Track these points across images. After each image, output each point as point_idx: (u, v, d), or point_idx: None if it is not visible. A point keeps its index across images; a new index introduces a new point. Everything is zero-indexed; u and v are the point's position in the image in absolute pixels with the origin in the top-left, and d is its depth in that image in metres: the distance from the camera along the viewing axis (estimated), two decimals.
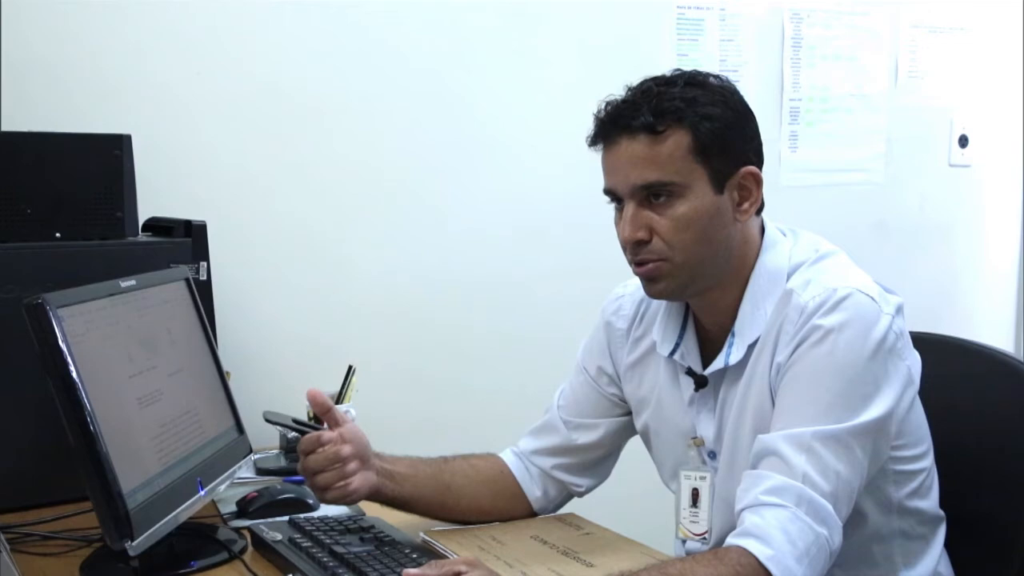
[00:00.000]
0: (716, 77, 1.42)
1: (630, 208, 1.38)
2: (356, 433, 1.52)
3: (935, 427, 1.47)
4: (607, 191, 1.42)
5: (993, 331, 3.22)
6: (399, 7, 2.33)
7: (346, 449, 1.48)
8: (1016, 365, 1.55)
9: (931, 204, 3.13)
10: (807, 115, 2.88)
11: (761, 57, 2.79)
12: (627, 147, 1.37)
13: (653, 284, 1.41)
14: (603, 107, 1.41)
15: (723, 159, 1.37)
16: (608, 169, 1.41)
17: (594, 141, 1.42)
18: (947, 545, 1.51)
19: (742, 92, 1.44)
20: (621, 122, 1.37)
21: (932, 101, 3.09)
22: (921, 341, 1.43)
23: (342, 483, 1.48)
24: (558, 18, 2.51)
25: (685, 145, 1.35)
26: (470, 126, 2.44)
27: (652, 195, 1.37)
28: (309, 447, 1.48)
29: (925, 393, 1.44)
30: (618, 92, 1.41)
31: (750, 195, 1.40)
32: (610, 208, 1.44)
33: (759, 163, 1.42)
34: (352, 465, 1.48)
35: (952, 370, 1.59)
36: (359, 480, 1.50)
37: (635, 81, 1.42)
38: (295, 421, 1.96)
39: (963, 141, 3.16)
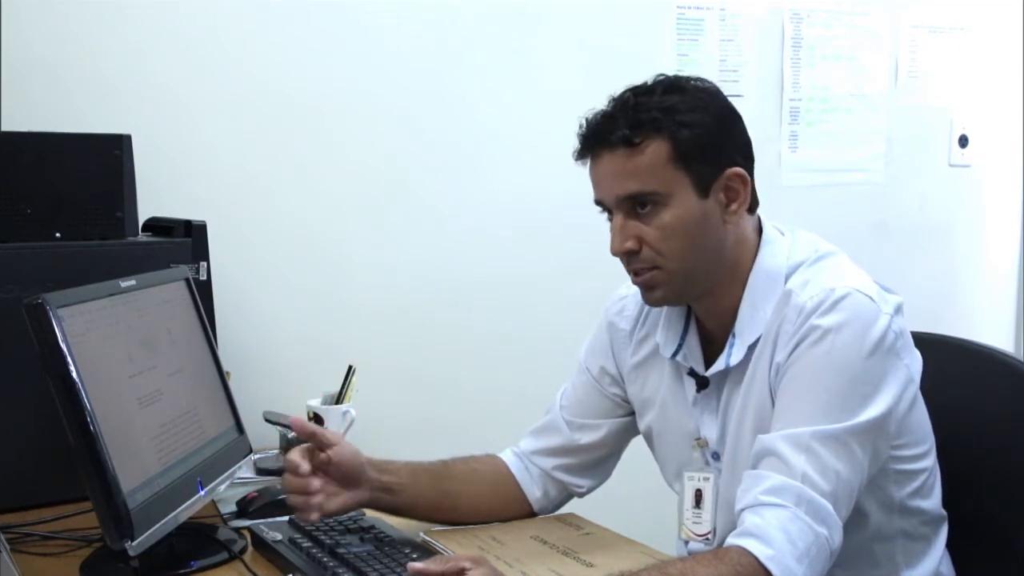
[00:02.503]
0: (698, 80, 1.42)
1: (618, 219, 1.39)
2: (345, 454, 1.49)
3: (935, 427, 1.47)
4: (597, 202, 1.43)
5: (993, 331, 3.22)
6: (399, 7, 2.33)
7: (315, 484, 1.46)
8: (1016, 365, 1.55)
9: (931, 204, 3.13)
10: (807, 115, 2.88)
11: (761, 57, 2.79)
12: (608, 160, 1.38)
13: (651, 293, 1.42)
14: (584, 121, 1.41)
15: (705, 164, 1.37)
16: (594, 182, 1.42)
17: (580, 155, 1.42)
18: (947, 545, 1.51)
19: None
20: (600, 136, 1.38)
21: (932, 101, 3.08)
22: (921, 341, 1.43)
23: (316, 501, 1.46)
24: (558, 18, 2.51)
25: (664, 154, 1.35)
26: (470, 126, 2.44)
27: (638, 205, 1.37)
28: (290, 485, 1.47)
29: (925, 393, 1.44)
30: (618, 93, 1.41)
31: (737, 196, 1.40)
32: None
33: (747, 163, 1.42)
34: (318, 498, 1.46)
35: (952, 370, 1.59)
36: (341, 500, 1.48)
37: (622, 88, 1.41)
38: None
39: (963, 141, 3.15)
